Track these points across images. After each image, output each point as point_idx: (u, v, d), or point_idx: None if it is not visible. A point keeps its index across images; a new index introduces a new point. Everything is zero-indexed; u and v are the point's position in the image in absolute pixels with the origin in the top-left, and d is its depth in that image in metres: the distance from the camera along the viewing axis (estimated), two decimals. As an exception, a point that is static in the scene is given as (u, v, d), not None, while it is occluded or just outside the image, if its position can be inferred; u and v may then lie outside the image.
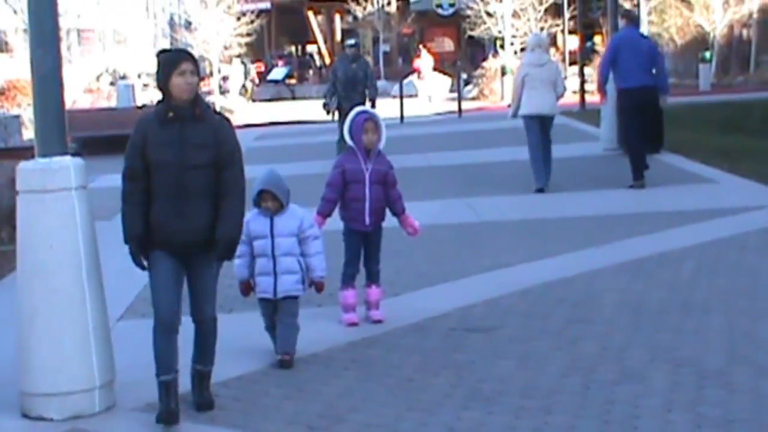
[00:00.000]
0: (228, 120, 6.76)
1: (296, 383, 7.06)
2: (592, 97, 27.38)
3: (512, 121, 16.66)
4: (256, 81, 55.11)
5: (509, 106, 16.39)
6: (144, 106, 31.83)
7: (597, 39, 49.49)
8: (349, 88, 18.39)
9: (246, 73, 52.51)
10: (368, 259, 8.56)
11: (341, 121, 17.43)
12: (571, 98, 27.39)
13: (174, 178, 6.38)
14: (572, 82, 31.08)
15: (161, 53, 6.60)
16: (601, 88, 16.19)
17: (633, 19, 16.55)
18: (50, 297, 6.62)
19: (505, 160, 19.12)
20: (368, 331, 8.28)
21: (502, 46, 44.75)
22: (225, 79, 53.41)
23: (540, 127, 15.41)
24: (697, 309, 8.47)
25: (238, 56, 50.17)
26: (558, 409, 6.33)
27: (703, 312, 8.37)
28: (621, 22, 16.83)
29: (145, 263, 6.52)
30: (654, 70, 15.39)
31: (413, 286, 9.70)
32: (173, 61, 6.46)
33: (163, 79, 6.45)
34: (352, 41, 20.14)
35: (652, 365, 7.07)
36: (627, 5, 46.75)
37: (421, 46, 49.74)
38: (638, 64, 15.23)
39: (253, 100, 51.35)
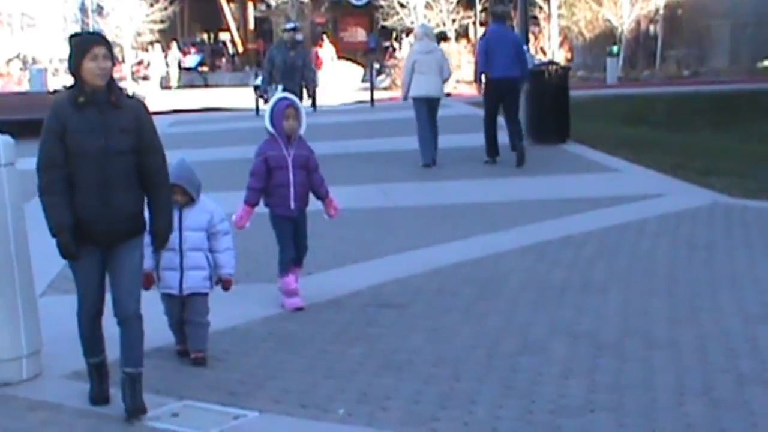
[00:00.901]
0: (144, 105, 6.55)
1: (216, 353, 7.37)
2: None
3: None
4: (184, 64, 54.79)
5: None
6: (56, 91, 31.77)
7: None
8: (287, 76, 17.76)
9: (170, 60, 52.13)
10: (297, 242, 8.67)
11: None
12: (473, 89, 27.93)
13: (98, 166, 6.12)
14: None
15: (73, 37, 6.33)
16: (477, 80, 17.95)
17: (501, 17, 18.24)
18: (-22, 271, 6.87)
19: (417, 147, 19.49)
20: (278, 305, 8.62)
21: (397, 39, 45.35)
22: (142, 64, 53.22)
23: (428, 109, 17.24)
24: (596, 288, 8.96)
25: (157, 41, 49.92)
26: (464, 376, 6.74)
27: (601, 290, 8.86)
28: (491, 20, 19.28)
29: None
30: (518, 63, 17.17)
31: (328, 266, 10.08)
32: (86, 44, 6.17)
33: (75, 63, 6.17)
34: (291, 24, 19.20)
35: (553, 338, 7.53)
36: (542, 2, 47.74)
37: (324, 36, 50.02)
38: (504, 57, 16.95)
39: (179, 87, 51.02)
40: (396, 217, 12.81)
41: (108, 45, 6.23)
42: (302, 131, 8.51)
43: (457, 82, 40.81)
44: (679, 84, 37.19)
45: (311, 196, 8.72)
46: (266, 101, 16.72)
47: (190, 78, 53.54)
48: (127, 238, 6.29)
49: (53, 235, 6.15)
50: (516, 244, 10.85)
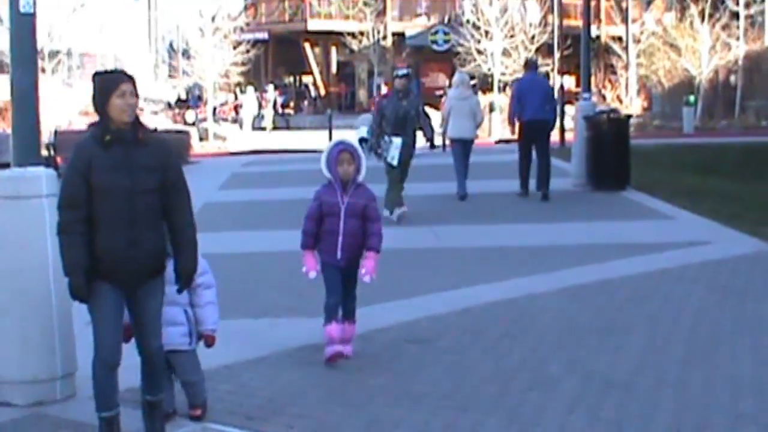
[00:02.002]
0: (169, 142, 6.64)
1: (241, 381, 7.72)
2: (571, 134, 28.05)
3: (495, 157, 18.01)
4: (279, 110, 54.69)
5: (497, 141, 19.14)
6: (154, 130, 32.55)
7: (591, 80, 50.36)
8: (399, 128, 15.92)
9: (263, 102, 51.82)
10: (344, 296, 8.29)
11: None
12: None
13: (124, 204, 6.09)
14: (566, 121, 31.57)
15: (98, 74, 6.31)
16: (511, 122, 19.82)
17: (531, 66, 20.23)
18: (19, 296, 7.24)
19: (486, 191, 19.76)
20: (315, 336, 8.91)
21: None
22: (226, 104, 53.97)
23: (461, 148, 19.12)
24: (620, 330, 9.15)
25: (250, 83, 50.38)
26: (472, 408, 7.01)
27: (624, 332, 9.06)
28: (524, 68, 21.20)
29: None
30: (548, 106, 19.04)
31: (366, 302, 10.35)
32: (113, 82, 6.17)
33: (101, 100, 6.14)
34: (403, 71, 16.94)
35: (566, 376, 7.75)
36: (616, 47, 47.94)
37: (383, 83, 50.56)
38: (535, 102, 18.75)
39: (274, 128, 50.83)
40: (444, 257, 13.08)
41: (134, 82, 6.21)
42: (361, 177, 8.14)
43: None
44: (757, 134, 36.95)
45: None
46: (379, 155, 15.95)
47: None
48: (150, 278, 6.27)
49: (66, 275, 6.14)
50: (553, 286, 11.07)
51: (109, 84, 6.15)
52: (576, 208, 17.30)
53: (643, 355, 8.32)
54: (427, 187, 19.98)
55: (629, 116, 21.44)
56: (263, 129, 49.35)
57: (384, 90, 45.53)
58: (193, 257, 6.36)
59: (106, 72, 6.42)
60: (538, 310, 10.03)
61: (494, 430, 6.57)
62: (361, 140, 17.01)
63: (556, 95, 20.71)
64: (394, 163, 15.79)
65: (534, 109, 18.66)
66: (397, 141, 15.88)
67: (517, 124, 19.05)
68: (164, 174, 6.20)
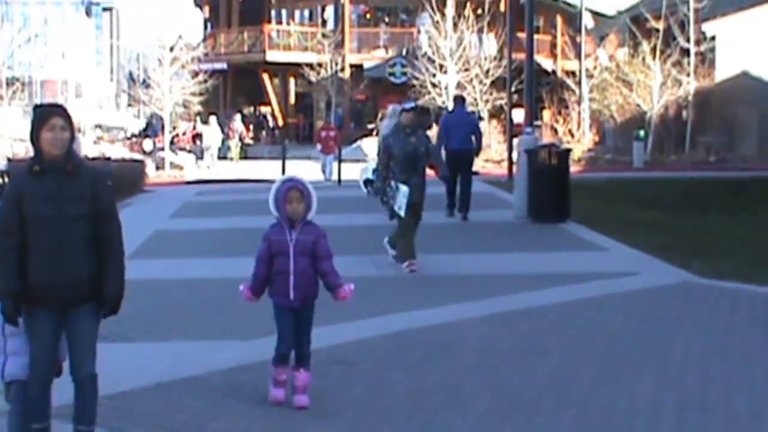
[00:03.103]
0: (101, 172, 6.81)
1: (170, 398, 8.13)
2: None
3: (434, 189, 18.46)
4: (246, 139, 54.15)
5: None
6: (95, 158, 32.89)
7: (546, 114, 51.07)
8: (409, 168, 14.39)
9: (229, 132, 50.83)
10: (297, 337, 8.01)
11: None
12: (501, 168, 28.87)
13: (52, 231, 6.33)
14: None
15: (35, 108, 6.57)
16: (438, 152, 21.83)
17: (459, 101, 22.77)
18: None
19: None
20: (246, 358, 9.34)
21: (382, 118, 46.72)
22: (185, 134, 53.99)
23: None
24: (537, 354, 9.64)
25: (213, 113, 50.11)
26: (385, 424, 7.45)
27: (540, 356, 9.54)
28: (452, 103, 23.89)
29: (20, 320, 6.45)
30: (473, 137, 21.08)
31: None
32: (44, 115, 6.43)
33: (34, 133, 6.43)
34: (410, 104, 15.27)
35: (479, 395, 8.22)
36: (570, 81, 48.66)
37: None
38: (460, 134, 20.85)
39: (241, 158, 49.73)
40: (379, 285, 13.51)
41: (67, 116, 6.45)
42: (311, 215, 7.96)
43: (486, 161, 41.60)
44: (705, 169, 37.62)
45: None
46: (385, 203, 14.60)
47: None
48: (83, 303, 6.46)
49: None
50: (480, 312, 11.54)
51: (41, 117, 6.42)
52: (514, 240, 17.82)
53: (554, 377, 8.80)
54: (367, 217, 20.49)
55: (569, 150, 21.96)
56: (229, 159, 48.85)
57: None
58: (118, 283, 6.55)
59: (40, 106, 6.66)
60: (463, 334, 10.49)
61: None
62: (366, 182, 15.39)
63: (483, 128, 23.66)
64: (402, 213, 14.29)
65: (459, 141, 20.77)
66: (405, 189, 14.21)
67: (443, 153, 20.25)
68: (94, 203, 6.45)
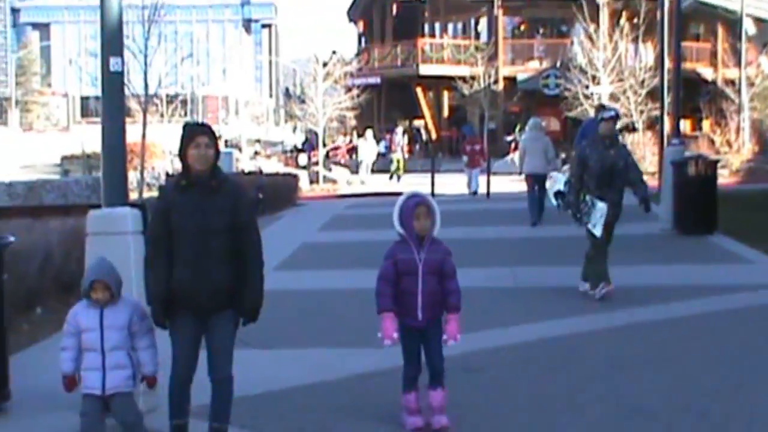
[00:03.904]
0: (243, 187, 7.37)
1: (301, 402, 8.55)
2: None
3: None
4: (406, 154, 51.75)
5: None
6: (251, 173, 33.82)
7: (705, 124, 50.39)
8: (604, 182, 13.18)
9: (392, 145, 49.62)
10: (428, 357, 7.78)
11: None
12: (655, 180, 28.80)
13: (196, 242, 6.85)
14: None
15: (184, 126, 7.14)
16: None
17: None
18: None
19: (562, 236, 20.39)
20: (377, 365, 9.69)
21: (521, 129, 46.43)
22: (339, 149, 54.75)
23: (534, 182, 22.22)
24: (661, 364, 9.83)
25: (369, 127, 50.06)
26: (508, 428, 7.73)
27: (664, 366, 9.70)
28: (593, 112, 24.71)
29: (167, 323, 7.08)
30: None
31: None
32: (191, 134, 6.97)
33: (181, 149, 7.00)
34: (611, 112, 13.76)
35: (596, 404, 8.46)
36: (729, 91, 47.80)
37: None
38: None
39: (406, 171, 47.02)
40: (516, 296, 13.74)
41: (211, 134, 7.04)
42: (436, 231, 7.70)
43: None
44: None
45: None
46: (578, 219, 13.42)
47: (384, 163, 54.56)
48: (222, 309, 7.00)
49: (148, 304, 7.07)
50: (612, 323, 11.74)
51: (188, 135, 6.98)
52: (657, 252, 17.77)
53: (674, 387, 8.96)
54: (504, 230, 20.83)
55: (716, 161, 21.78)
56: (393, 173, 46.59)
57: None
58: (257, 292, 7.02)
59: (188, 124, 7.25)
60: (591, 344, 10.72)
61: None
62: (558, 193, 14.10)
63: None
64: (597, 232, 13.23)
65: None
66: (602, 207, 13.15)
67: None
68: (235, 216, 6.94)
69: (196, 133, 7.00)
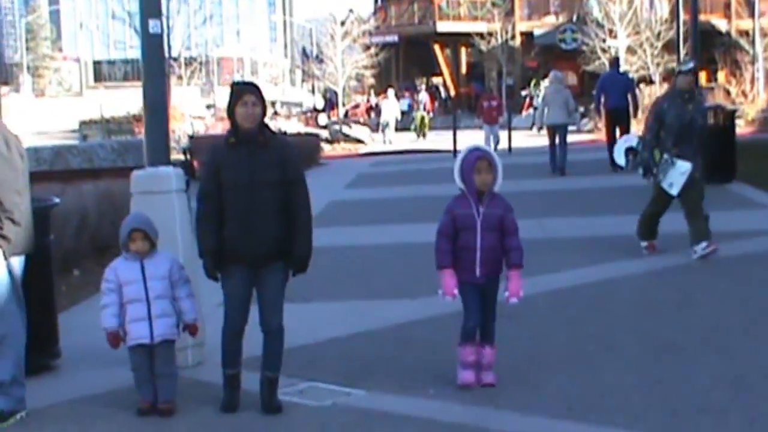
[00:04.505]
0: (291, 144, 7.65)
1: (344, 350, 8.91)
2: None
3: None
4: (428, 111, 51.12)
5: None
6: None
7: (720, 75, 50.41)
8: (683, 139, 12.48)
9: (414, 104, 49.89)
10: (483, 313, 7.67)
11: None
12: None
13: (246, 196, 7.04)
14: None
15: (232, 85, 7.33)
16: (597, 110, 25.87)
17: (614, 63, 26.62)
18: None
19: (587, 187, 20.75)
20: (415, 315, 10.05)
21: (536, 84, 46.74)
22: (358, 107, 54.85)
23: (554, 133, 23.71)
24: (688, 305, 10.27)
25: (390, 86, 49.97)
26: (544, 369, 8.06)
27: (692, 307, 10.16)
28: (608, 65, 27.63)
29: (219, 275, 7.27)
30: (629, 96, 23.32)
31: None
32: (238, 92, 7.14)
33: (229, 108, 7.20)
34: (689, 65, 13.12)
35: (630, 341, 8.82)
36: (743, 42, 47.77)
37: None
38: (616, 92, 23.23)
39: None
40: (546, 247, 14.03)
41: (258, 93, 7.19)
42: (497, 187, 7.51)
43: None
44: None
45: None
46: (653, 176, 12.69)
47: (403, 121, 54.75)
48: (271, 261, 7.18)
49: (201, 257, 7.28)
50: (640, 269, 12.11)
51: (236, 94, 7.16)
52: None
53: (702, 326, 9.35)
54: (528, 183, 21.14)
55: (734, 111, 22.02)
56: (415, 131, 46.94)
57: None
58: (308, 243, 7.24)
59: (236, 83, 7.43)
60: (621, 290, 11.07)
61: (558, 387, 7.65)
62: (628, 150, 13.58)
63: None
64: (674, 191, 12.62)
65: (615, 99, 23.17)
66: (686, 166, 12.49)
67: (603, 111, 23.88)
68: (283, 171, 7.13)
69: (243, 91, 7.18)
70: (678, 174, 12.47)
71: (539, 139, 36.69)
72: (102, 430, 7.23)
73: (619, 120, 23.24)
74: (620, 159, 13.83)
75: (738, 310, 9.92)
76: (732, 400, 7.18)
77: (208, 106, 47.48)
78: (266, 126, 7.27)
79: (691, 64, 13.08)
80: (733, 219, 15.61)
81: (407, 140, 43.66)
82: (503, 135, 31.95)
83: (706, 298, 10.49)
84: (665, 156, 12.47)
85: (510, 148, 31.62)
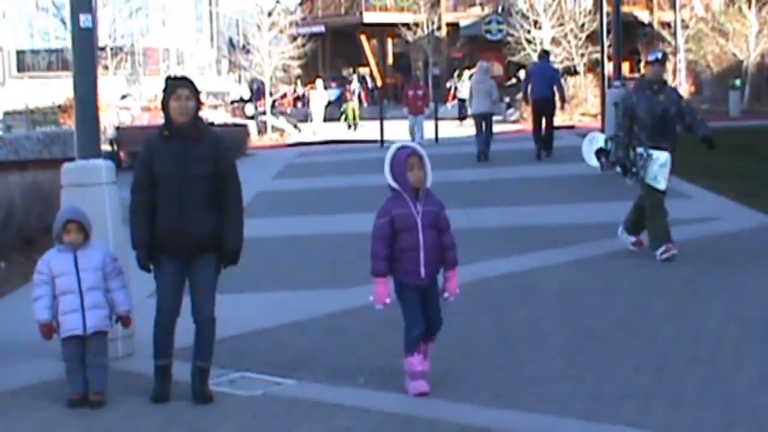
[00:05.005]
0: (223, 137, 7.59)
1: (275, 340, 9.00)
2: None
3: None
4: (362, 102, 50.68)
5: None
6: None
7: (643, 66, 51.02)
8: (657, 131, 12.01)
9: (347, 94, 49.43)
10: (428, 315, 7.48)
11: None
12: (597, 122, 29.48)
13: (177, 189, 7.15)
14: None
15: (166, 79, 7.41)
16: (525, 99, 26.40)
17: (543, 56, 27.32)
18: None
19: (513, 177, 21.01)
20: (344, 304, 10.16)
21: (459, 75, 47.31)
22: (285, 97, 54.60)
23: (481, 120, 25.05)
24: (611, 293, 10.47)
25: (318, 77, 49.78)
26: (472, 356, 8.22)
27: (615, 295, 10.38)
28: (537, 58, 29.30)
29: (151, 267, 7.38)
30: (555, 87, 24.51)
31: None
32: (172, 86, 7.26)
33: (163, 102, 7.31)
34: (657, 54, 12.40)
35: (556, 329, 9.01)
36: (665, 34, 48.52)
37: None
38: (543, 83, 24.26)
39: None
40: (471, 236, 14.21)
41: (192, 87, 7.30)
42: (429, 183, 7.33)
43: (582, 115, 41.94)
44: (805, 118, 37.35)
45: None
46: (633, 174, 12.24)
47: (330, 111, 54.40)
48: (205, 252, 7.31)
49: (133, 248, 7.36)
50: (564, 259, 12.28)
51: (169, 88, 7.29)
52: (601, 190, 18.26)
53: (626, 314, 9.57)
54: (454, 173, 21.29)
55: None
56: (345, 122, 46.49)
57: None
58: (237, 236, 7.36)
59: (170, 77, 7.52)
60: (546, 279, 11.26)
61: (486, 375, 7.79)
62: (599, 151, 13.04)
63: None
64: (661, 185, 12.13)
65: (541, 90, 24.17)
66: (663, 156, 12.08)
67: (530, 102, 24.74)
68: (216, 164, 7.26)
69: (177, 86, 7.29)
70: (658, 166, 12.03)
71: (465, 130, 37.06)
72: (32, 422, 7.25)
73: (545, 110, 24.37)
74: (591, 161, 13.33)
75: (661, 298, 10.15)
76: (655, 386, 7.38)
77: (123, 97, 47.06)
78: (200, 119, 7.38)
79: (659, 54, 12.39)
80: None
81: (336, 131, 43.67)
82: (430, 126, 32.00)
83: (630, 287, 10.72)
84: (639, 150, 12.01)
85: (437, 138, 31.82)
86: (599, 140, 13.19)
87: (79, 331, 7.41)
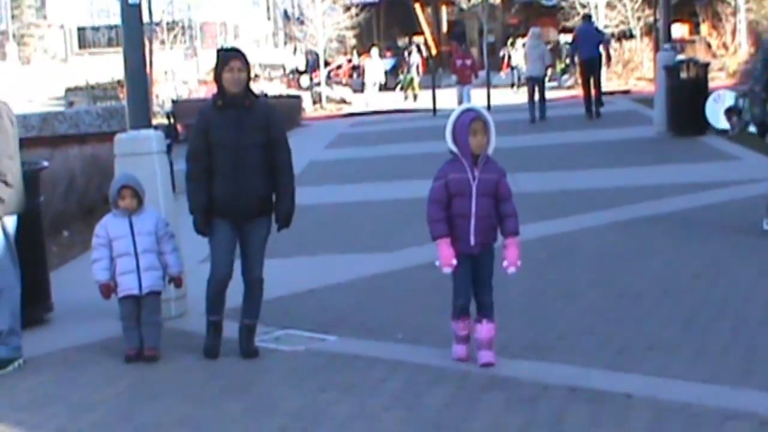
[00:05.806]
0: (274, 107, 8.08)
1: (320, 300, 9.40)
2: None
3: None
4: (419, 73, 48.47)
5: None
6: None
7: (703, 28, 50.60)
8: None
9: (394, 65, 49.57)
10: (478, 287, 7.27)
11: None
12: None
13: (233, 156, 7.51)
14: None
15: (218, 51, 7.74)
16: (572, 60, 30.27)
17: (586, 18, 28.99)
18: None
19: (563, 142, 21.25)
20: (388, 266, 10.52)
21: (513, 44, 47.09)
22: (341, 68, 54.73)
23: (534, 84, 26.76)
24: (648, 254, 10.69)
25: (374, 45, 49.63)
26: (503, 314, 8.54)
27: (651, 256, 10.60)
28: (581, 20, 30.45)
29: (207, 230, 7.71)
30: (600, 47, 26.26)
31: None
32: (225, 58, 7.56)
33: (216, 73, 7.61)
34: None
35: (589, 288, 9.34)
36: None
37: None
38: (589, 44, 25.81)
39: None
40: (520, 201, 14.45)
41: (244, 59, 7.59)
42: (491, 150, 7.11)
43: (638, 79, 41.82)
44: None
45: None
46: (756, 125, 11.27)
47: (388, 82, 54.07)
48: (256, 216, 7.67)
49: (191, 213, 7.71)
50: (605, 221, 12.58)
51: (222, 60, 7.61)
52: (650, 153, 18.56)
53: (660, 273, 9.82)
54: (505, 140, 21.49)
55: (707, 64, 22.40)
56: (404, 92, 45.68)
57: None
58: (290, 202, 7.74)
59: (222, 50, 7.83)
60: (584, 240, 11.55)
61: (517, 330, 8.13)
62: (729, 111, 12.43)
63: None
64: None
65: (587, 50, 25.73)
66: None
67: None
68: (268, 132, 7.63)
69: (229, 58, 7.60)
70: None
71: (519, 97, 37.14)
72: (93, 375, 7.71)
73: (592, 70, 26.02)
74: (718, 123, 12.54)
75: (693, 258, 10.34)
76: (681, 339, 7.67)
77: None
78: (251, 90, 7.69)
79: None
80: (703, 171, 16.12)
81: (390, 101, 43.85)
82: (482, 93, 31.99)
83: (665, 247, 10.94)
84: None
85: (489, 106, 31.94)
86: (728, 98, 12.45)
87: (135, 290, 7.85)
